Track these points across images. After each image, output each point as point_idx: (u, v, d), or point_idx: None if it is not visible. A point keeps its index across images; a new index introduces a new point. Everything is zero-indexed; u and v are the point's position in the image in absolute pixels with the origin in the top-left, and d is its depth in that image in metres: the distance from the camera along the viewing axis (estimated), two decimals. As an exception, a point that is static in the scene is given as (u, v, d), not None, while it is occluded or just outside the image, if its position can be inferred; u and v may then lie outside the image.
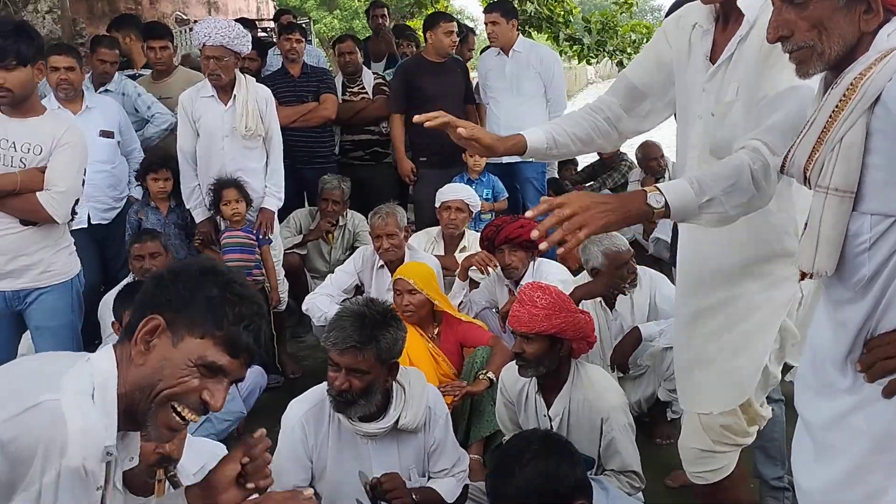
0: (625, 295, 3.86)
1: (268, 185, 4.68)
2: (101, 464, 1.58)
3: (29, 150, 3.36)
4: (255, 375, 3.91)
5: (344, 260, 4.95)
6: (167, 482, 2.40)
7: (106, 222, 4.80)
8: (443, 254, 4.85)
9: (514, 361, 3.05)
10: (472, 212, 4.94)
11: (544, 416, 3.13)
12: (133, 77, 5.55)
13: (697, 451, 2.44)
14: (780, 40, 1.72)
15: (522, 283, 4.17)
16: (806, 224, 1.71)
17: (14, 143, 3.34)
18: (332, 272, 4.73)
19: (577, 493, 2.26)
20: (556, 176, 7.04)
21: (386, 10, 8.17)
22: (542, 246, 1.78)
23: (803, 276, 1.73)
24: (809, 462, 1.82)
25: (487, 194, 5.63)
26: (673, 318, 2.75)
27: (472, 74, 6.33)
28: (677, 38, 2.38)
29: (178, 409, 1.63)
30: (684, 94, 2.35)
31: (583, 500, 2.27)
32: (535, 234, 1.79)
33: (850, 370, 1.70)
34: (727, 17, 2.21)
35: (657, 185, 1.93)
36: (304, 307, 4.53)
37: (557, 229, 1.78)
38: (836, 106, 1.59)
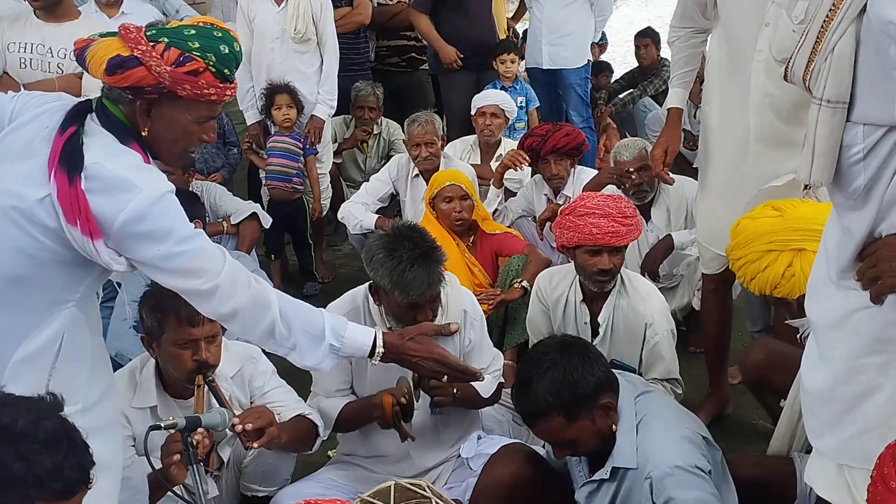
0: (643, 193, 3.83)
1: (320, 92, 4.68)
2: None
3: (66, 55, 3.35)
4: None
5: (379, 168, 4.92)
6: (206, 387, 2.47)
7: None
8: (479, 162, 4.81)
9: (594, 276, 2.99)
10: (507, 118, 4.86)
11: (585, 323, 3.12)
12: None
13: None
14: None
15: (564, 190, 4.15)
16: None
17: (51, 48, 3.34)
18: (368, 181, 4.72)
19: (599, 392, 2.23)
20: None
21: None
22: None
23: (806, 187, 1.72)
24: (815, 363, 1.86)
25: (521, 103, 5.51)
26: None
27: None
28: None
29: None
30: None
31: (608, 396, 2.25)
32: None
33: (854, 274, 1.72)
34: None
35: None
36: (339, 215, 4.55)
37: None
38: (827, 15, 1.58)
